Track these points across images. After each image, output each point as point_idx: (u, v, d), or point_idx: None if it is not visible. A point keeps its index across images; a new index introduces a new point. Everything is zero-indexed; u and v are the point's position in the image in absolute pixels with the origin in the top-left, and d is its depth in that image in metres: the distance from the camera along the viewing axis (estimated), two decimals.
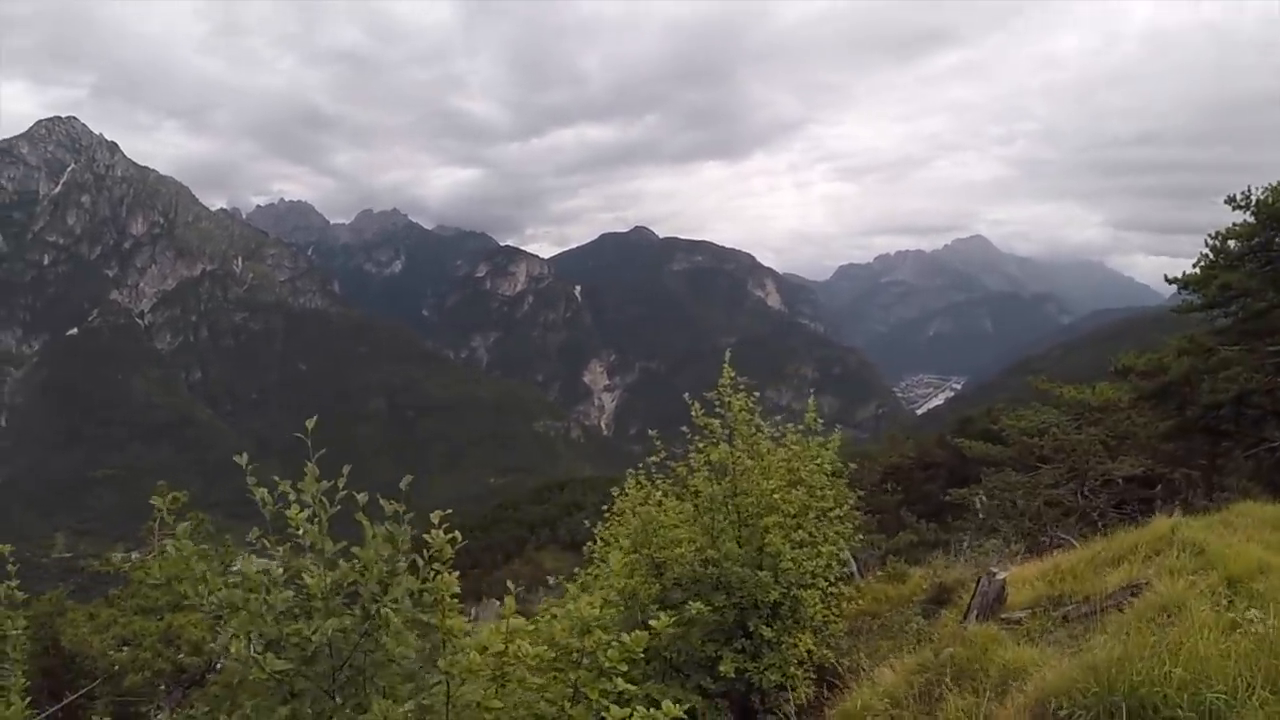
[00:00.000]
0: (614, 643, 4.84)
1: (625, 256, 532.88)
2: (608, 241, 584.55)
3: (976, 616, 9.06)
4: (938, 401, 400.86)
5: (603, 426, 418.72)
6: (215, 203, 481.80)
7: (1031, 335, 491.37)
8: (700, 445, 11.16)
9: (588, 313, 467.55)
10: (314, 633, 4.46)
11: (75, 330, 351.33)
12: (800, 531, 10.21)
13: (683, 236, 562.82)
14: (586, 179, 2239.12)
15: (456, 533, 4.81)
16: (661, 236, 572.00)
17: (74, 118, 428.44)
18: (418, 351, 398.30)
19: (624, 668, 4.75)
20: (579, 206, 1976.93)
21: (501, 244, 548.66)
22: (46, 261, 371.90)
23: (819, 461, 11.21)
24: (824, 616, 10.22)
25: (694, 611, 8.06)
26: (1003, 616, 9.01)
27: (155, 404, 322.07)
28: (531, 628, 5.09)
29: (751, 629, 9.58)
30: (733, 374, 11.36)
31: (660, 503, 11.37)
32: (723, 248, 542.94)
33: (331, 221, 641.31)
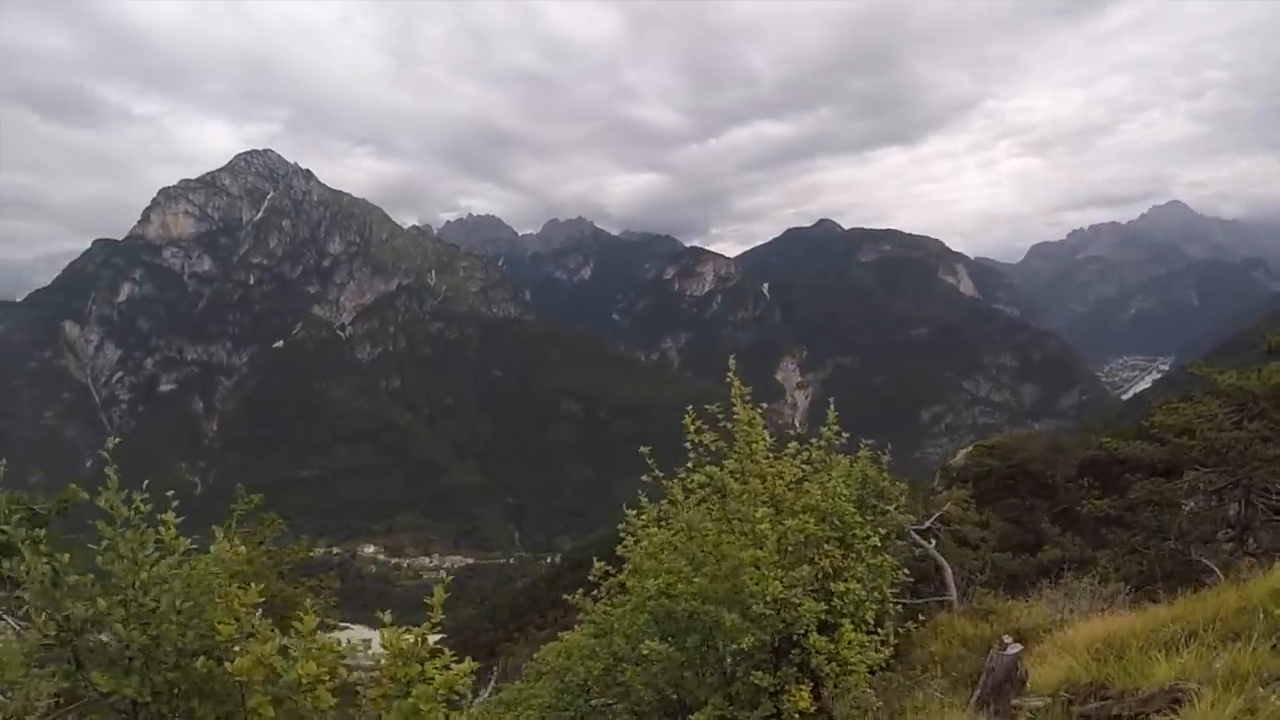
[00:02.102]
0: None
1: (811, 250, 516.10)
2: (793, 236, 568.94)
3: (978, 701, 8.29)
4: (1145, 384, 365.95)
5: (796, 424, 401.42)
6: (407, 221, 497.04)
7: (1242, 305, 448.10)
8: (690, 466, 10.12)
9: (777, 309, 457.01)
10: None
11: (280, 343, 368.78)
12: (802, 568, 8.89)
13: (867, 226, 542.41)
14: (767, 175, 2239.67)
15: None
16: (846, 228, 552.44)
17: (270, 150, 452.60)
18: (609, 355, 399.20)
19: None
20: (762, 203, 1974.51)
21: (687, 245, 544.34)
22: (252, 281, 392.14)
23: (831, 485, 9.85)
24: (834, 669, 8.59)
25: (646, 650, 8.56)
26: (1014, 703, 8.06)
27: (356, 410, 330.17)
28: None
29: (739, 674, 8.98)
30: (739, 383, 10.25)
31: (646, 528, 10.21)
32: (910, 235, 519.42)
33: (520, 233, 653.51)
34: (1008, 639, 8.48)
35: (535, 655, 12.57)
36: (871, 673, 9.04)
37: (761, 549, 8.80)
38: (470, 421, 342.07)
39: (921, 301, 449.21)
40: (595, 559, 10.65)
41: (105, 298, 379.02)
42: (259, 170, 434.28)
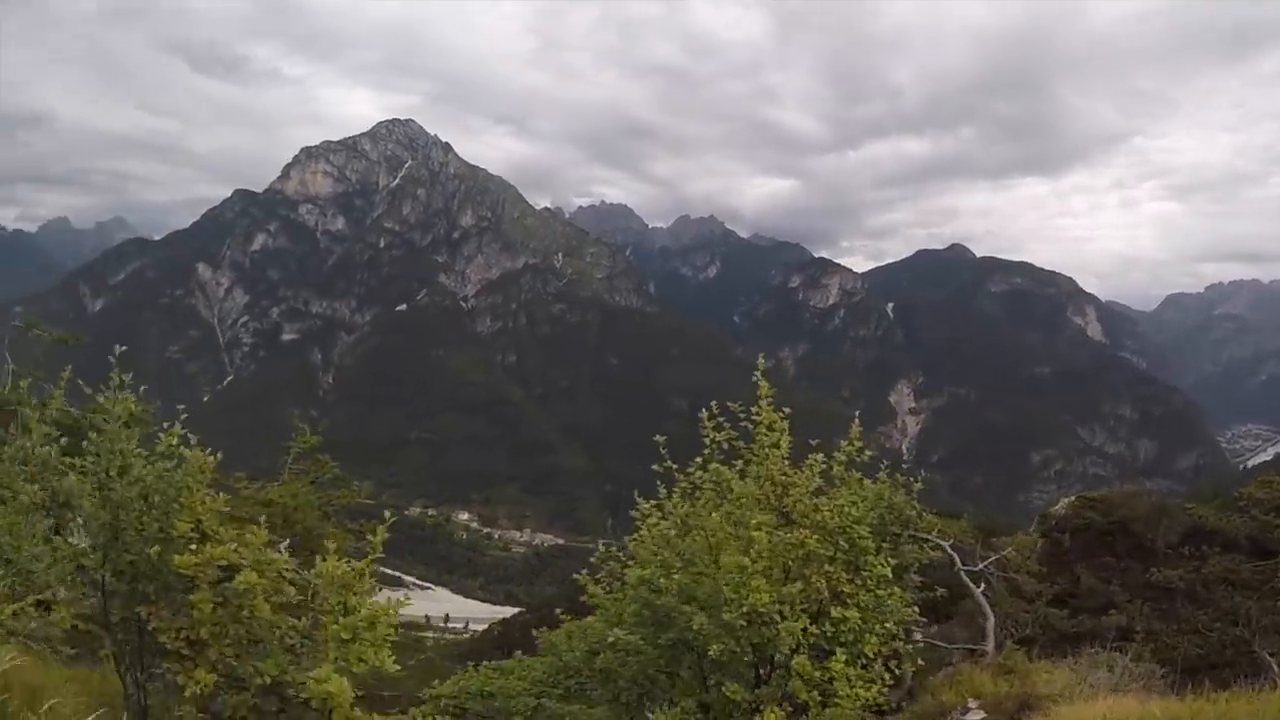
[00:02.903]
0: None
1: (940, 274, 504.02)
2: (923, 258, 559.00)
3: None
4: (1267, 455, 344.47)
5: (904, 450, 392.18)
6: (540, 202, 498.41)
7: None
8: (700, 460, 10.22)
9: (899, 330, 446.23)
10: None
11: (404, 307, 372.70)
12: (795, 584, 8.82)
13: (1000, 256, 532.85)
14: (902, 193, 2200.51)
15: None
16: (978, 255, 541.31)
17: (411, 120, 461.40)
18: (727, 357, 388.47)
19: None
20: (894, 221, 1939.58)
21: (815, 255, 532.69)
22: (382, 245, 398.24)
23: (841, 503, 9.68)
24: (814, 697, 8.32)
25: (613, 639, 9.00)
26: None
27: (470, 381, 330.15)
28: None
29: (712, 683, 9.00)
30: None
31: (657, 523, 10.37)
32: (1042, 270, 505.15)
33: (649, 225, 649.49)
34: (972, 703, 9.01)
35: (536, 634, 12.22)
36: (878, 711, 8.84)
37: (750, 556, 8.62)
38: (582, 405, 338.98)
39: (1047, 340, 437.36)
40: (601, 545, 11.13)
41: (239, 245, 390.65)
42: (399, 139, 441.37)
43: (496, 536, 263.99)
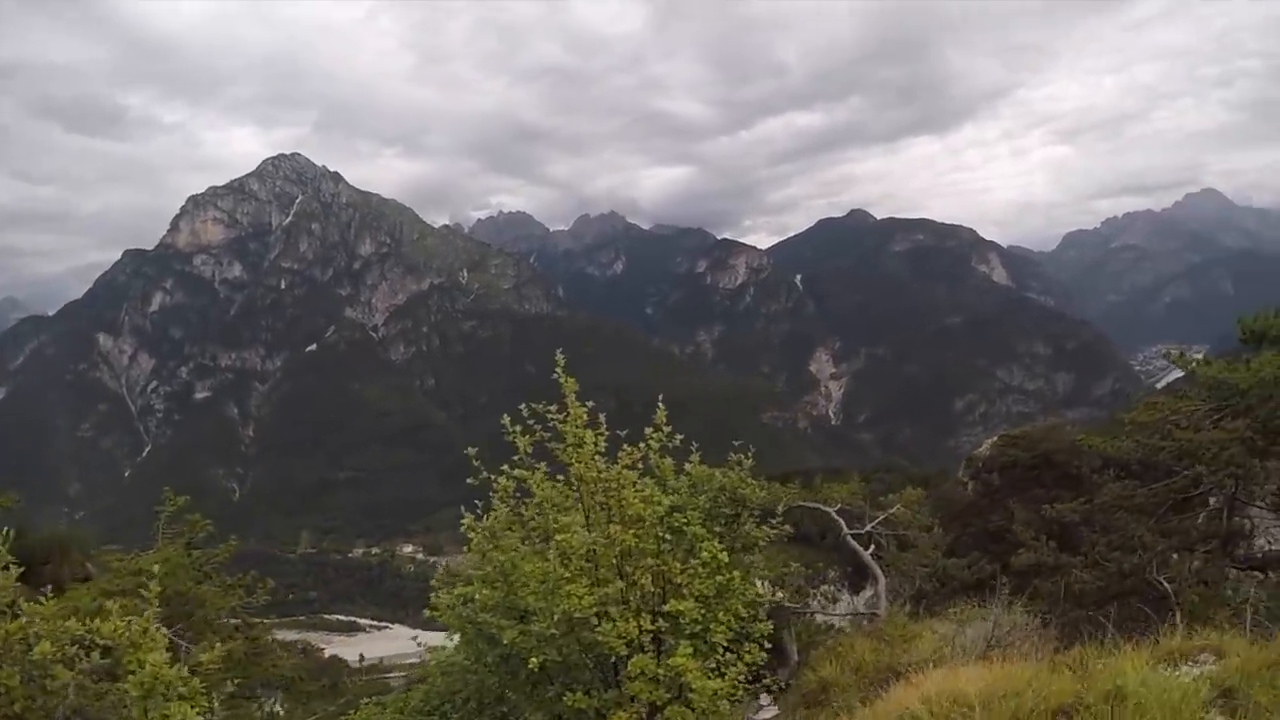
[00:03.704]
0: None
1: (844, 241, 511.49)
2: (825, 228, 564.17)
3: None
4: (1178, 374, 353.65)
5: (831, 416, 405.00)
6: (438, 220, 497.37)
7: (1278, 295, 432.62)
8: (504, 469, 9.76)
9: (810, 301, 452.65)
10: None
11: (314, 346, 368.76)
12: (615, 584, 8.57)
13: (900, 216, 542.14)
14: (798, 166, 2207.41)
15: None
16: (878, 218, 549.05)
17: (298, 153, 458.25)
18: (644, 349, 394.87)
19: None
20: (793, 195, 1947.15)
21: (719, 238, 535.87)
22: (284, 286, 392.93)
23: (647, 492, 9.37)
24: (661, 694, 8.11)
25: (434, 660, 9.15)
26: None
27: (391, 410, 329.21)
28: None
29: (550, 694, 8.68)
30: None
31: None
32: (943, 224, 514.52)
33: (551, 229, 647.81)
34: (765, 700, 8.69)
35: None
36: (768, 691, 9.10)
37: (560, 560, 8.44)
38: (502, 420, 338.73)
39: (955, 291, 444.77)
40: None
41: (137, 308, 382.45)
42: (287, 174, 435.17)
43: (444, 564, 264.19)
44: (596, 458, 9.19)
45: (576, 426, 9.36)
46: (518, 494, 9.54)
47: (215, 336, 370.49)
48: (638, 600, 8.49)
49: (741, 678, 8.35)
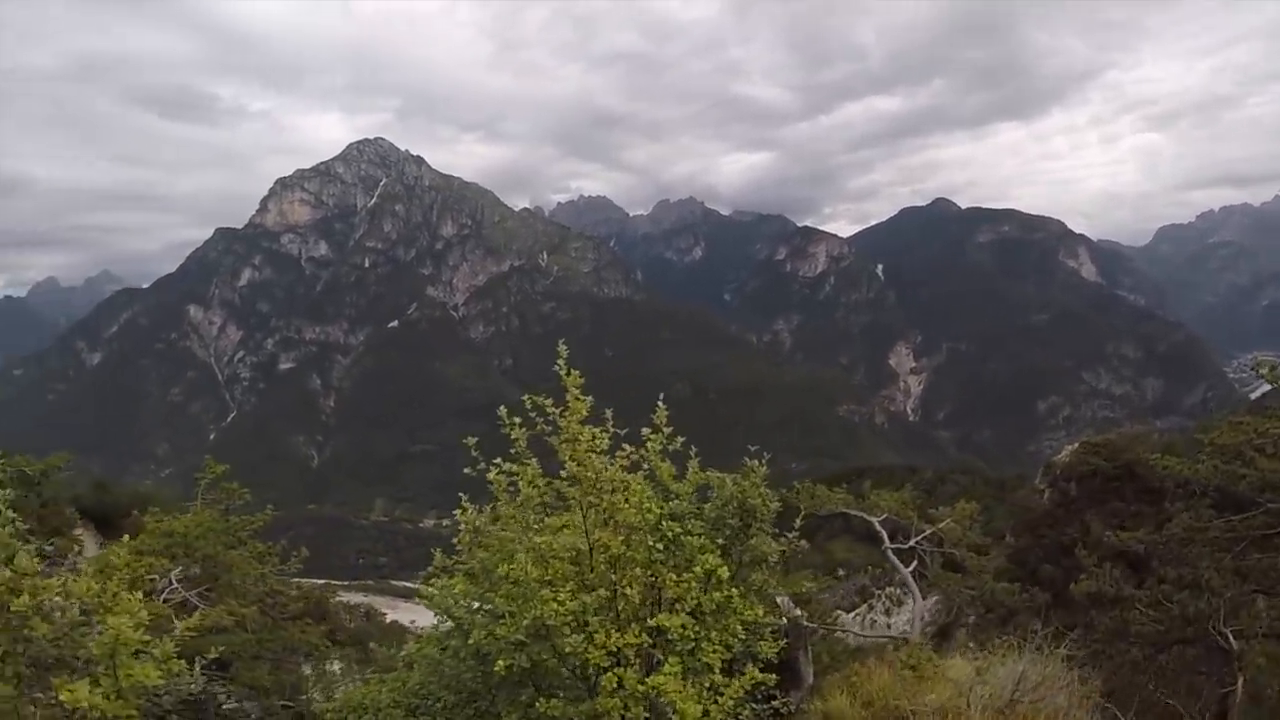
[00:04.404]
0: None
1: (927, 231, 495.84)
2: (907, 216, 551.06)
3: None
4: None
5: (909, 411, 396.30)
6: (518, 203, 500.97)
7: None
8: (498, 461, 9.30)
9: (891, 291, 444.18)
10: None
11: (395, 323, 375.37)
12: (597, 592, 8.09)
13: (985, 206, 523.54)
14: (879, 152, 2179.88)
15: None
16: (963, 207, 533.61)
17: (381, 138, 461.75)
18: (720, 336, 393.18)
19: None
20: (875, 182, 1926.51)
21: (799, 225, 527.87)
22: (367, 264, 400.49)
23: (637, 498, 8.73)
24: (638, 713, 7.68)
25: (405, 651, 9.09)
26: None
27: (469, 388, 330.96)
28: None
29: (524, 698, 8.36)
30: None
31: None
32: (1030, 215, 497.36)
33: (630, 214, 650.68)
34: None
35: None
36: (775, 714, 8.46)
37: (540, 563, 8.12)
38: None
39: (1041, 286, 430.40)
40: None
41: (227, 282, 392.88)
42: (371, 158, 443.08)
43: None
44: (593, 456, 8.73)
45: (575, 421, 8.87)
46: (512, 489, 9.17)
47: (300, 311, 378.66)
48: (628, 611, 8.11)
49: (735, 702, 7.98)
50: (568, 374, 9.04)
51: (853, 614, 35.23)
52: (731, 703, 7.73)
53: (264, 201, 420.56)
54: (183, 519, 15.80)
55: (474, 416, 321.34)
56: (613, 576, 8.11)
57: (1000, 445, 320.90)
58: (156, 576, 13.75)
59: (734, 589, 8.28)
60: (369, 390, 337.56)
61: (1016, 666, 10.08)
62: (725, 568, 8.29)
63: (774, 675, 8.36)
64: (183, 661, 6.87)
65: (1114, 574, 16.89)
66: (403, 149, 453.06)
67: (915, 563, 19.04)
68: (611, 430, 8.97)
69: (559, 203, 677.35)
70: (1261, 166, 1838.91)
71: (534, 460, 9.01)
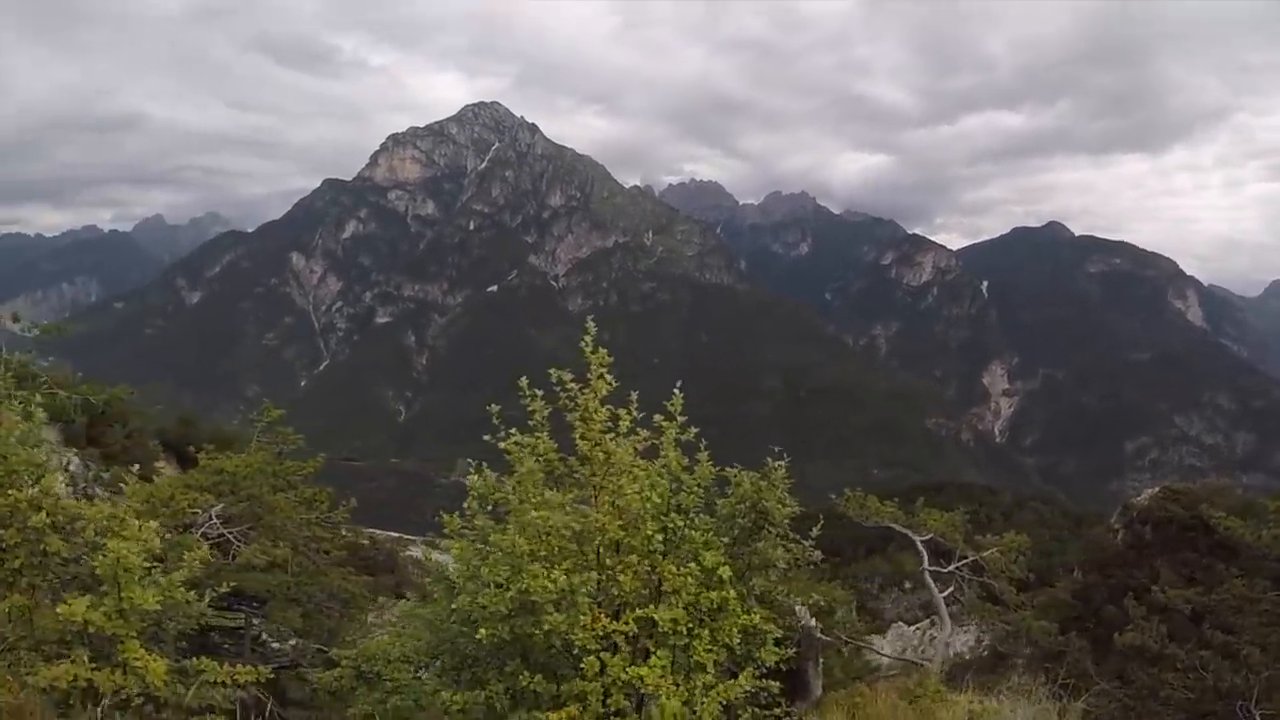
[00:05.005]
0: None
1: (1036, 253, 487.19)
2: (1019, 236, 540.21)
3: None
4: None
5: (996, 433, 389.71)
6: (629, 180, 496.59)
7: None
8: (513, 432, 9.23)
9: (994, 310, 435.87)
10: None
11: (495, 288, 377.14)
12: (587, 574, 8.07)
13: (1098, 235, 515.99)
14: (997, 169, 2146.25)
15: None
16: (1076, 234, 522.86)
17: (497, 103, 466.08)
18: (818, 334, 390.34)
19: None
20: (990, 197, 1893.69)
21: (909, 232, 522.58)
22: (472, 227, 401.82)
23: (638, 485, 8.48)
24: (616, 702, 7.59)
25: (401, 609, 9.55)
26: None
27: (562, 359, 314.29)
28: None
29: (509, 669, 8.24)
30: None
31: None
32: (1143, 251, 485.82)
33: (740, 202, 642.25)
34: None
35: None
36: None
37: (536, 537, 7.99)
38: (673, 382, 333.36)
39: (1146, 324, 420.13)
40: None
41: (331, 233, 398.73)
42: (486, 122, 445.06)
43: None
44: (606, 437, 8.56)
45: (594, 400, 8.72)
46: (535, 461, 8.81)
47: (402, 267, 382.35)
48: (622, 598, 7.84)
49: (731, 704, 7.77)
50: (594, 351, 9.07)
51: (914, 628, 35.00)
52: (720, 704, 7.56)
53: (375, 156, 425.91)
54: (234, 458, 15.58)
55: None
56: (608, 561, 8.06)
57: (1083, 479, 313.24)
58: (199, 511, 14.09)
59: (732, 591, 7.97)
60: (462, 351, 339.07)
61: (1015, 715, 9.90)
62: (727, 567, 8.00)
63: (778, 683, 8.27)
64: (191, 592, 7.24)
65: (1160, 629, 15.47)
66: (518, 115, 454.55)
67: (953, 588, 19.18)
68: (634, 413, 8.86)
69: (669, 184, 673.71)
70: None
71: (545, 434, 8.95)
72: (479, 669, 8.20)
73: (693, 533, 8.19)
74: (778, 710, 8.43)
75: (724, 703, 7.66)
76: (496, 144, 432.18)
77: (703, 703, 7.38)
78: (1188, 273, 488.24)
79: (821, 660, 12.09)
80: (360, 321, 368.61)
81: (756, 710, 8.13)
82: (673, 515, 8.23)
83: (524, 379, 9.24)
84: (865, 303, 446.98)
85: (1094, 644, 17.97)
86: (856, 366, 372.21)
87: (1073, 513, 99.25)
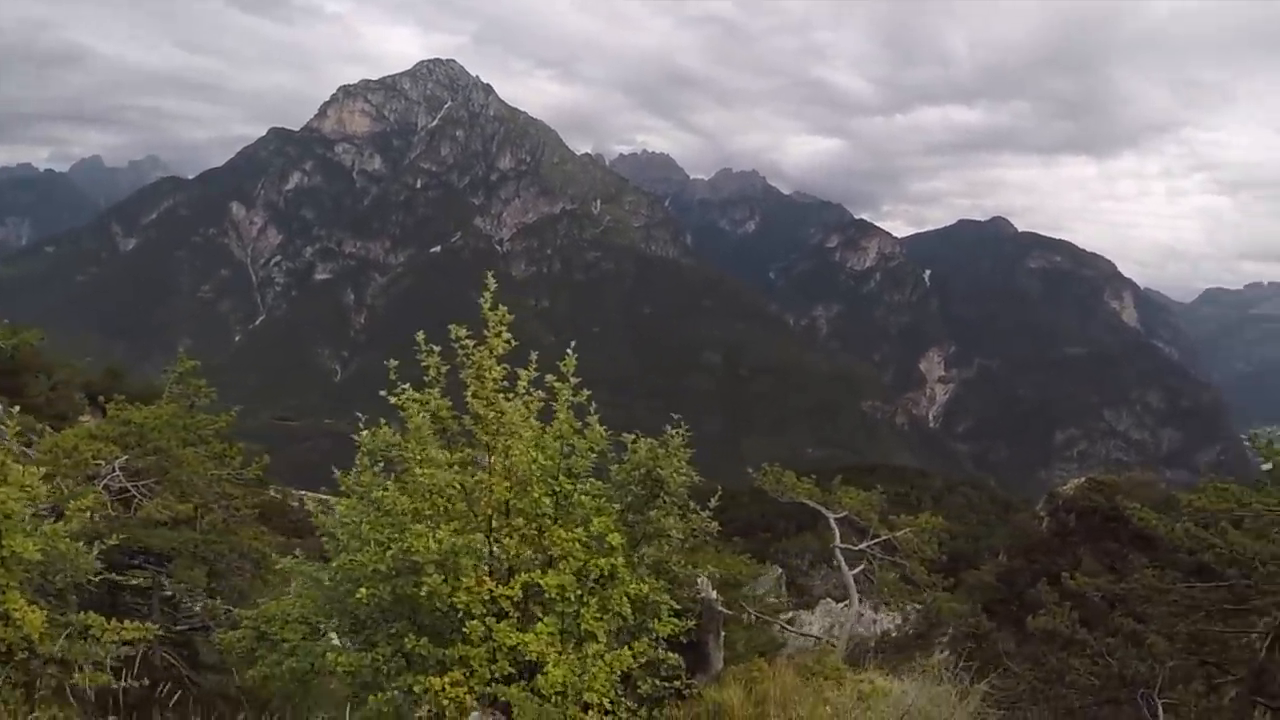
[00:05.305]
0: None
1: (979, 246, 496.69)
2: (964, 228, 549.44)
3: None
4: None
5: (930, 418, 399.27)
6: (580, 147, 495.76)
7: None
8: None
9: (934, 299, 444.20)
10: None
11: (438, 249, 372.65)
12: (474, 535, 7.97)
13: (1041, 232, 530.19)
14: (948, 161, 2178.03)
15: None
16: (1019, 230, 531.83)
17: (453, 60, 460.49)
18: (760, 312, 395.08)
19: None
20: (938, 188, 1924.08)
21: (856, 217, 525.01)
22: (419, 186, 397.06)
23: (523, 445, 8.32)
24: (503, 666, 7.50)
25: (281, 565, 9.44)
26: None
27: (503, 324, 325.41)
28: None
29: (394, 630, 8.05)
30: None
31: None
32: (1083, 251, 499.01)
33: (691, 176, 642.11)
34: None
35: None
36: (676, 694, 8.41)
37: (421, 496, 7.86)
38: (612, 353, 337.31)
39: (1082, 321, 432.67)
40: None
41: (274, 184, 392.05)
42: (440, 79, 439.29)
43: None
44: (500, 396, 8.34)
45: (488, 357, 8.59)
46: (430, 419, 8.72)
47: (345, 223, 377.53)
48: (510, 561, 7.76)
49: (624, 673, 7.70)
50: (493, 308, 8.93)
51: (842, 604, 32.48)
52: (618, 673, 7.55)
53: (324, 107, 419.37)
54: (143, 410, 15.28)
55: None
56: (495, 524, 7.96)
57: (1012, 467, 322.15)
58: (103, 462, 13.74)
59: (621, 559, 7.94)
60: (402, 312, 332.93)
61: (906, 698, 9.52)
62: (617, 534, 7.94)
63: (676, 655, 8.23)
64: (78, 544, 7.27)
65: (1073, 615, 14.97)
66: (473, 74, 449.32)
67: (864, 565, 18.99)
68: (532, 374, 8.74)
69: (621, 154, 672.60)
70: None
71: (436, 390, 8.88)
72: (369, 630, 8.03)
73: (583, 497, 8.09)
74: (678, 682, 8.39)
75: (623, 672, 7.62)
76: (449, 102, 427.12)
77: (592, 671, 7.30)
78: (1125, 275, 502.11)
79: (724, 634, 11.92)
80: (299, 277, 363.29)
81: (656, 682, 8.09)
82: (561, 479, 8.12)
83: (420, 333, 9.12)
84: (808, 284, 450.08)
85: (1016, 626, 17.99)
86: (797, 347, 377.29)
87: (1001, 499, 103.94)
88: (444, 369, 8.90)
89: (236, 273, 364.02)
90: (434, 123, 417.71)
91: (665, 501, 8.87)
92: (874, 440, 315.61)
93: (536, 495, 7.88)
